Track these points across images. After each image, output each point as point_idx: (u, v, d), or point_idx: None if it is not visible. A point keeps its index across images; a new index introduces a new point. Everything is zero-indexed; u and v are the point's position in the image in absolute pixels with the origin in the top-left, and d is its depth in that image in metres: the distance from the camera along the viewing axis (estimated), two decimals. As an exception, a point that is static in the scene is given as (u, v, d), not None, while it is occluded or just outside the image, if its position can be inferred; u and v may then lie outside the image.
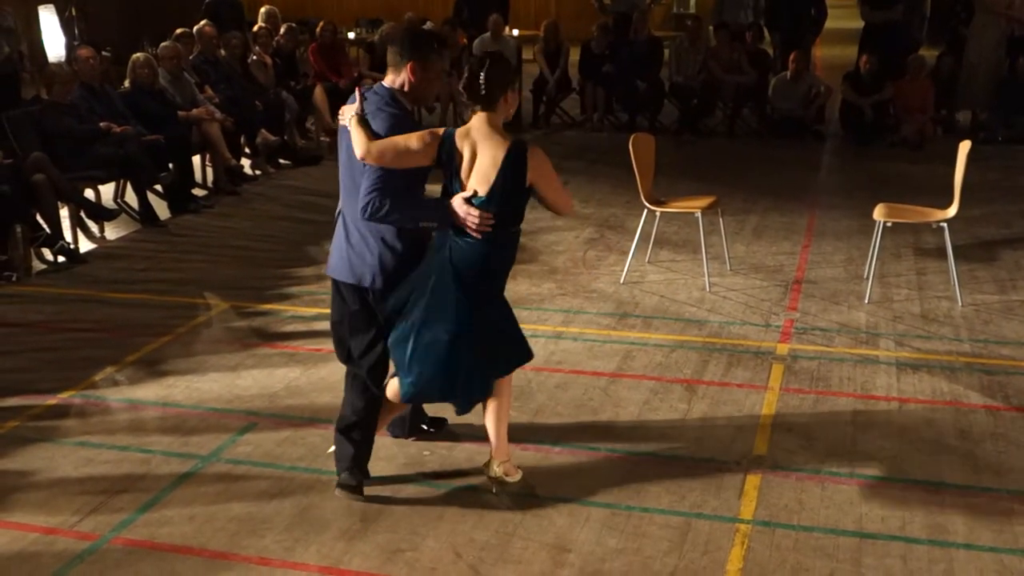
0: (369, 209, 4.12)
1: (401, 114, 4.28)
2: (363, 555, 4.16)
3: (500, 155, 4.13)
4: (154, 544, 4.24)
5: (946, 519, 4.39)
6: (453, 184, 4.21)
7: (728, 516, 4.42)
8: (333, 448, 4.66)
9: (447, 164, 4.20)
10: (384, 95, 4.31)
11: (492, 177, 4.13)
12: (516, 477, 4.64)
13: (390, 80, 4.32)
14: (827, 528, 4.33)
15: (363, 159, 4.12)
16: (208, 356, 6.17)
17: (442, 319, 4.23)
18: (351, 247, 4.37)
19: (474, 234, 4.17)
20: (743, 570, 4.05)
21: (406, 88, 4.30)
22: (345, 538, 4.27)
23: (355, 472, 4.57)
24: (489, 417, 4.55)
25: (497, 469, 4.59)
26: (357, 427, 4.55)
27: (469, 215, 4.13)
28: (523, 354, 4.61)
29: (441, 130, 4.21)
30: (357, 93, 4.31)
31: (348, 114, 4.27)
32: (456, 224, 4.18)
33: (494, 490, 4.60)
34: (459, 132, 4.21)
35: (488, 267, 4.29)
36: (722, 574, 4.03)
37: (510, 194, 4.17)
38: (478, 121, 4.22)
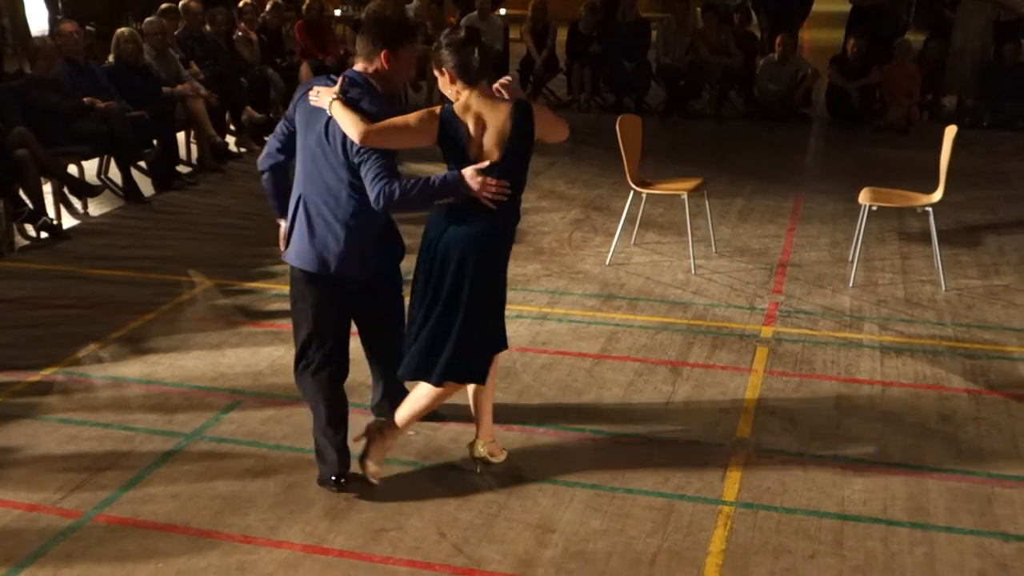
0: (383, 198, 4.03)
1: (386, 97, 4.25)
2: (347, 534, 4.16)
3: (506, 116, 4.11)
4: (137, 522, 4.23)
5: (927, 502, 4.42)
6: (461, 160, 4.15)
7: (711, 498, 4.44)
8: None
9: (452, 141, 4.15)
10: (363, 82, 4.23)
11: (505, 140, 4.11)
12: (501, 457, 4.66)
13: (362, 67, 4.25)
14: (809, 510, 4.35)
15: (362, 142, 4.02)
16: (192, 334, 6.15)
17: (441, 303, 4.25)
18: (313, 234, 4.27)
19: (489, 205, 4.13)
20: (725, 551, 4.07)
21: (376, 76, 4.23)
22: (329, 517, 4.27)
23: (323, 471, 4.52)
24: (474, 398, 4.56)
25: (481, 449, 4.60)
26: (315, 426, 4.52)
27: (486, 185, 4.08)
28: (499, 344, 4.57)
29: (437, 109, 4.15)
30: (341, 78, 4.22)
31: (326, 97, 4.14)
32: (470, 197, 4.11)
33: (478, 470, 4.60)
34: (457, 107, 4.15)
35: (492, 246, 4.27)
36: (705, 555, 4.05)
37: (523, 154, 4.18)
38: (476, 94, 4.15)
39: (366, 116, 4.07)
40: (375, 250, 4.39)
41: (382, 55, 4.19)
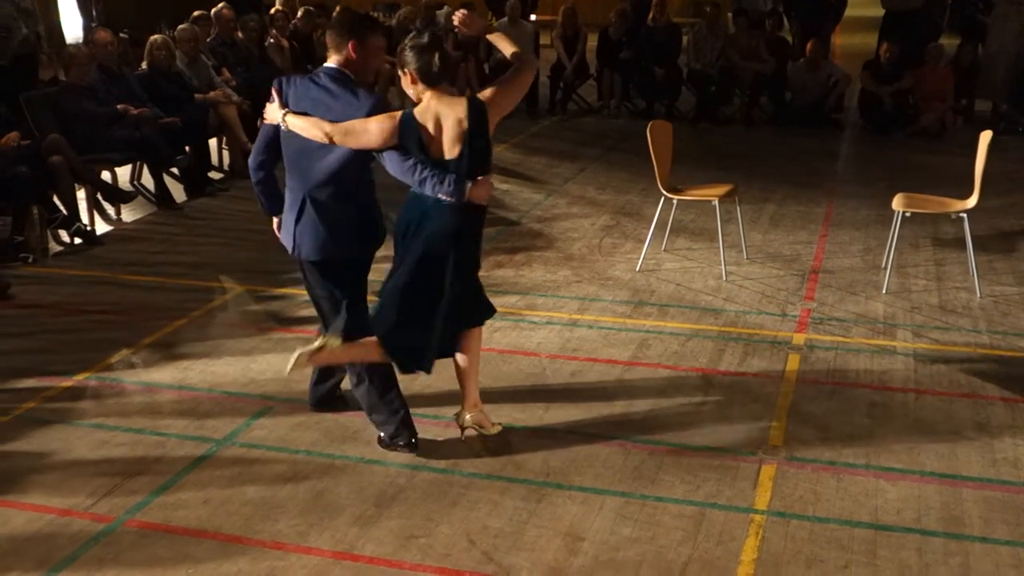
0: (430, 187, 4.43)
1: (368, 90, 4.60)
2: (377, 541, 4.16)
3: (464, 114, 4.42)
4: (168, 527, 4.25)
5: (962, 512, 4.37)
6: (421, 157, 4.44)
7: (743, 506, 4.41)
8: None
9: (413, 141, 4.42)
10: (339, 76, 4.57)
11: (464, 135, 4.43)
12: (493, 429, 4.92)
13: (335, 60, 4.59)
14: (842, 520, 4.31)
15: (330, 140, 4.42)
16: (223, 340, 6.18)
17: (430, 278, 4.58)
18: (328, 225, 4.64)
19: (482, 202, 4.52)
20: (757, 560, 4.04)
21: (348, 66, 4.58)
22: (359, 523, 4.27)
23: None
24: (462, 369, 4.83)
25: (468, 419, 4.86)
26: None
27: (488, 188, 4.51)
28: (487, 309, 4.88)
29: (397, 113, 4.44)
30: (274, 92, 4.63)
31: (276, 115, 4.58)
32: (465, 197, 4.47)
33: (464, 437, 4.88)
34: (418, 110, 4.46)
35: (471, 227, 4.63)
36: (736, 564, 4.02)
37: (480, 146, 4.48)
38: (435, 96, 4.47)
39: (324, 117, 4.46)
40: (373, 230, 4.74)
41: (350, 46, 4.53)
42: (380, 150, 4.46)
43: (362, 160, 4.57)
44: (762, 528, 4.25)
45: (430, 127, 4.43)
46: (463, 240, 4.57)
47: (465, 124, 4.42)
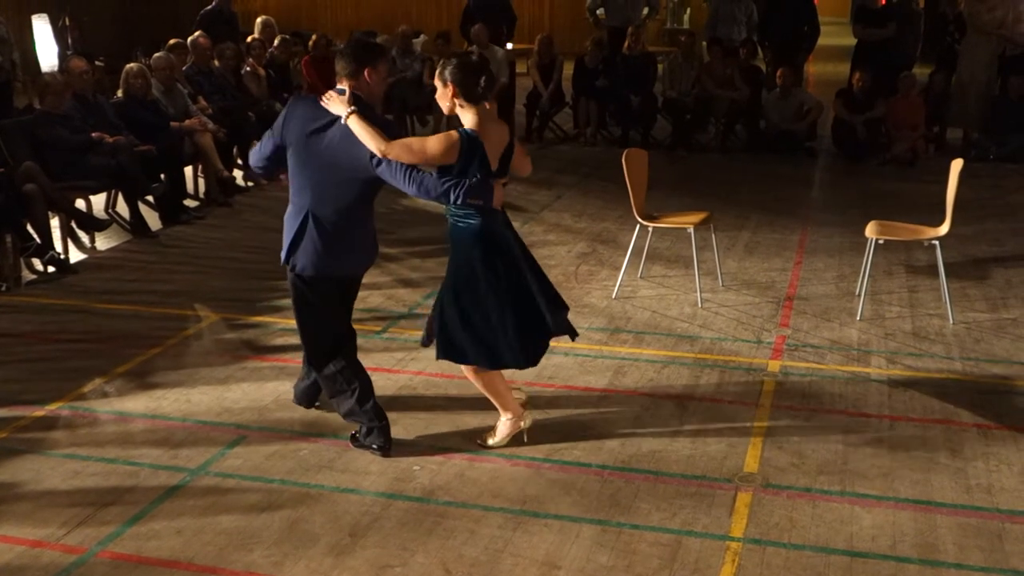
0: (422, 189, 4.67)
1: (380, 114, 4.97)
2: (352, 570, 4.13)
3: (506, 133, 4.88)
4: (141, 558, 4.21)
5: (937, 538, 4.38)
6: (480, 171, 4.72)
7: (719, 534, 4.41)
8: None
9: (471, 159, 4.70)
10: (356, 100, 4.81)
11: (501, 152, 4.84)
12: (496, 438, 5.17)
13: (349, 85, 4.87)
14: (818, 547, 4.32)
15: (384, 154, 4.62)
16: (198, 368, 6.15)
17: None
18: (327, 241, 4.89)
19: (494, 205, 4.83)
20: (733, 588, 4.04)
21: (359, 89, 4.87)
22: (334, 553, 4.25)
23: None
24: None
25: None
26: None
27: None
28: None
29: (453, 133, 4.69)
30: (348, 90, 4.83)
31: (339, 106, 4.75)
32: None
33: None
34: (475, 128, 4.74)
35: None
36: (712, 592, 4.02)
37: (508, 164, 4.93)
38: (484, 114, 4.79)
39: (381, 128, 4.69)
40: (372, 247, 5.12)
41: (365, 72, 4.87)
42: (431, 167, 4.71)
43: (379, 184, 4.83)
44: (738, 555, 4.25)
45: (487, 142, 4.75)
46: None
47: (506, 140, 4.85)
